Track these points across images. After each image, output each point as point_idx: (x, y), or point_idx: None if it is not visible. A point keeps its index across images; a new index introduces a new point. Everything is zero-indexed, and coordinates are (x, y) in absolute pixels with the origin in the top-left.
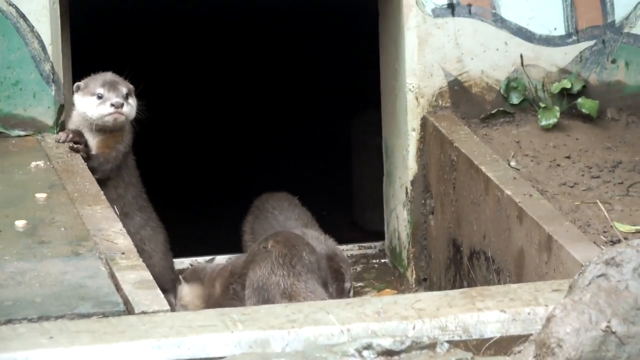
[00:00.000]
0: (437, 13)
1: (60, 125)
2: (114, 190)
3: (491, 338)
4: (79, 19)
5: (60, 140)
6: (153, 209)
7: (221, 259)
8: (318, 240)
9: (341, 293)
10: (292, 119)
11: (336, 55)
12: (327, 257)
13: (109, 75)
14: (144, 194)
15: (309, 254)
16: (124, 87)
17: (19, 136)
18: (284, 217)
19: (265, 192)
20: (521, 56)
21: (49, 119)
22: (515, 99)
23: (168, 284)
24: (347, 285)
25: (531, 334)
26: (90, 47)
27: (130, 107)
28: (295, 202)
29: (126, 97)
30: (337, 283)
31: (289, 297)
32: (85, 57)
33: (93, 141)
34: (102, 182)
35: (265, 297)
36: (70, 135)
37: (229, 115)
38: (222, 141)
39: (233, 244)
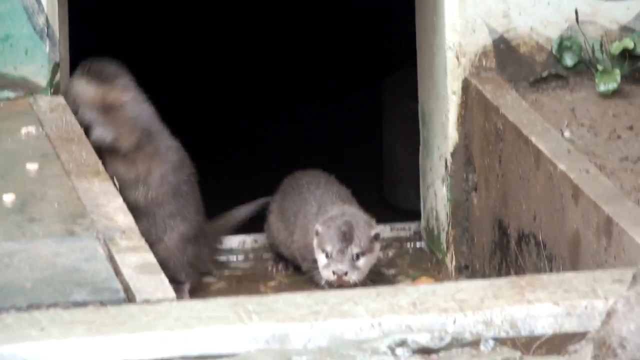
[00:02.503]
0: None
1: (55, 86)
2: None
3: (542, 335)
4: None
5: None
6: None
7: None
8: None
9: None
10: (312, 80)
11: (366, 7)
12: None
13: None
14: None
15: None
16: None
17: (8, 99)
18: (321, 192)
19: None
20: (576, 11)
21: (42, 79)
22: (569, 60)
23: (180, 275)
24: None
25: (588, 332)
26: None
27: None
28: (333, 180)
29: None
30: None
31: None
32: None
33: None
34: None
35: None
36: None
37: (243, 77)
38: (234, 107)
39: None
